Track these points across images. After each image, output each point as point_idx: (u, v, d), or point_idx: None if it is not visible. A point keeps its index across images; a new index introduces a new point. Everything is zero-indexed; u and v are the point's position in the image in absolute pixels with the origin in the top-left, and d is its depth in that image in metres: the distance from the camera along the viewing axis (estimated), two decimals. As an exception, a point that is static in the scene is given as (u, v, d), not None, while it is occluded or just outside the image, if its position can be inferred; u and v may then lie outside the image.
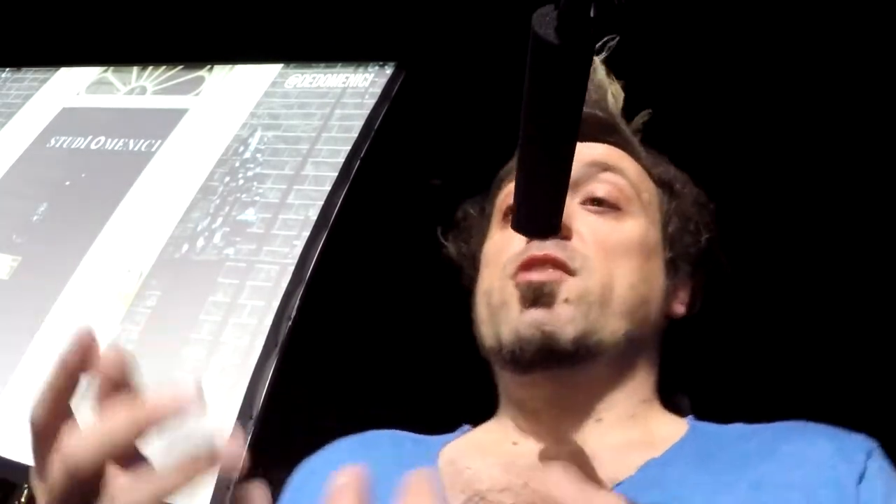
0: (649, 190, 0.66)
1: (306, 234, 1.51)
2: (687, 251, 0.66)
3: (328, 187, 1.58)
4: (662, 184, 0.67)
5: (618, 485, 0.52)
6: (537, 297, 0.57)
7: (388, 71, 1.78)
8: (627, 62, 0.69)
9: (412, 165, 1.83)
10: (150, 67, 2.01)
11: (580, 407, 0.59)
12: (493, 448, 0.61)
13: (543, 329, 0.55)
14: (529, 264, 0.58)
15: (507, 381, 0.63)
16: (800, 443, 0.52)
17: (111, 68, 2.05)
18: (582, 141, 0.63)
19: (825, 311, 1.54)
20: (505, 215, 0.66)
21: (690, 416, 0.63)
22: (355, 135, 1.66)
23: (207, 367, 1.36)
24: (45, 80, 2.07)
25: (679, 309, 0.66)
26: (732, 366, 1.42)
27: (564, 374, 0.57)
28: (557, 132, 0.41)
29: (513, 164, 0.70)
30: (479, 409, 0.69)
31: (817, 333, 1.52)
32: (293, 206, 1.58)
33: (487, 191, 0.75)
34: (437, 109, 1.76)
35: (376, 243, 1.75)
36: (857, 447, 0.52)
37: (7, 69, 2.14)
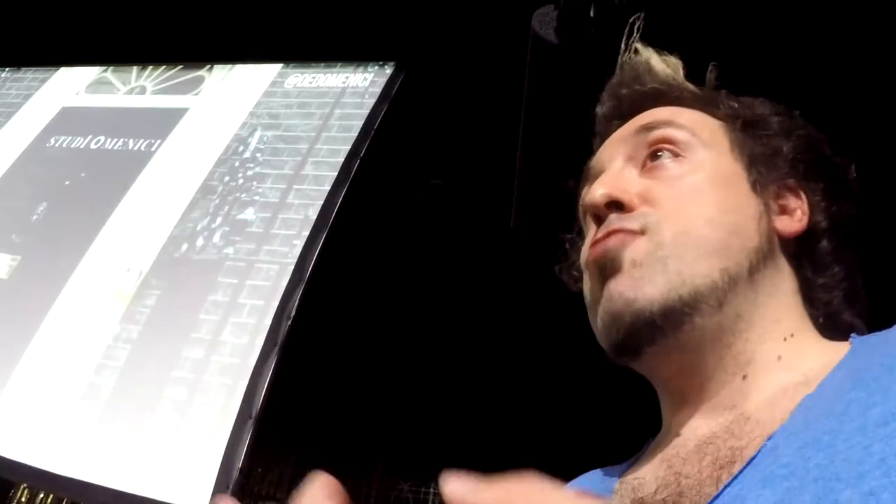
0: (710, 127, 0.62)
1: (306, 233, 1.51)
2: (774, 163, 0.62)
3: (328, 187, 1.58)
4: (727, 117, 0.64)
5: (770, 438, 0.49)
6: (604, 269, 0.55)
7: (388, 71, 1.78)
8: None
9: (412, 165, 1.83)
10: (150, 67, 2.01)
11: (715, 369, 0.55)
12: (662, 450, 0.58)
13: (624, 297, 0.53)
14: (594, 243, 0.56)
15: (646, 375, 0.61)
16: None
17: (111, 68, 2.05)
18: (630, 119, 0.61)
19: None
20: (585, 220, 0.64)
21: (853, 335, 0.59)
22: (355, 134, 1.66)
23: (207, 365, 1.36)
24: (44, 80, 2.07)
25: (793, 226, 0.61)
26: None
27: (673, 340, 0.53)
28: (557, 131, 0.41)
29: (589, 165, 0.69)
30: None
31: None
32: (293, 206, 1.58)
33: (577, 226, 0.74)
34: (437, 109, 1.76)
35: (376, 243, 1.75)
36: None
37: (7, 69, 2.15)
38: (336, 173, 1.60)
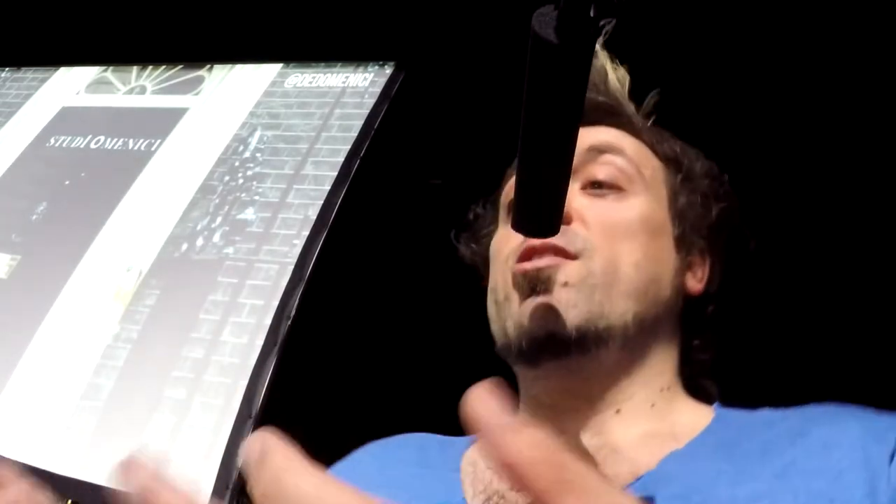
0: (653, 167, 0.64)
1: (306, 233, 1.51)
2: (698, 224, 0.63)
3: (328, 187, 1.58)
4: (668, 160, 0.65)
5: (638, 479, 0.51)
6: (535, 284, 0.55)
7: (388, 71, 1.78)
8: (635, 47, 0.67)
9: (412, 165, 1.83)
10: (150, 67, 2.01)
11: (596, 398, 0.57)
12: None
13: (546, 317, 0.54)
14: (528, 254, 0.57)
15: (521, 377, 0.62)
16: (827, 426, 0.50)
17: (111, 68, 2.05)
18: (580, 126, 0.62)
19: (857, 291, 1.49)
20: (508, 210, 0.64)
21: (717, 404, 0.60)
22: (355, 134, 1.66)
23: (207, 366, 1.36)
24: (44, 80, 2.07)
25: (695, 287, 0.62)
26: (763, 347, 1.37)
27: (574, 363, 0.55)
28: (557, 131, 0.41)
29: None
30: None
31: (848, 313, 1.47)
32: (293, 206, 1.58)
33: (495, 191, 0.74)
34: (437, 109, 1.76)
35: (376, 243, 1.75)
36: (888, 426, 0.49)
37: (7, 69, 2.14)
38: (336, 173, 1.60)
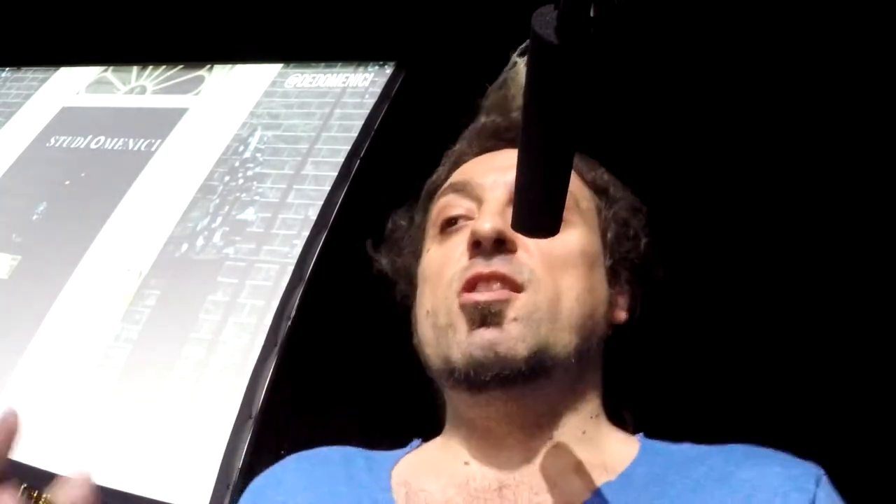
0: (587, 198, 0.65)
1: (306, 233, 1.51)
2: (626, 257, 0.64)
3: (328, 187, 1.58)
4: (598, 190, 0.66)
5: None
6: (485, 317, 0.56)
7: (388, 71, 1.78)
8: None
9: (412, 165, 1.83)
10: (150, 67, 2.01)
11: (532, 425, 0.58)
12: (446, 468, 0.60)
13: (496, 350, 0.54)
14: (475, 281, 0.57)
15: (456, 401, 0.62)
16: (752, 469, 0.53)
17: (111, 68, 2.05)
18: (510, 149, 0.62)
19: (765, 319, 1.52)
20: (442, 229, 0.63)
21: (640, 435, 0.62)
22: (355, 134, 1.66)
23: (207, 365, 1.37)
24: (45, 80, 2.08)
25: (621, 316, 0.64)
26: (675, 376, 1.41)
27: (517, 392, 0.56)
28: (557, 131, 0.41)
29: (441, 176, 0.70)
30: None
31: (756, 343, 1.51)
32: (293, 206, 1.58)
33: (414, 202, 0.74)
34: (437, 109, 1.76)
35: (376, 243, 1.75)
36: (807, 474, 0.53)
37: (7, 69, 2.15)
38: (336, 173, 1.60)
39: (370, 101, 1.72)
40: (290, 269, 1.45)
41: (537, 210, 0.47)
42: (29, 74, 2.11)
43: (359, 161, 1.62)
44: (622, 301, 0.64)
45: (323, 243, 1.50)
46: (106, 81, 2.03)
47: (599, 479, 0.55)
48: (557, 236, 0.58)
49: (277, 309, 1.40)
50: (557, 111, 0.40)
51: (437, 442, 0.65)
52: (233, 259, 1.52)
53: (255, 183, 1.65)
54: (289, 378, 1.38)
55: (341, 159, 1.62)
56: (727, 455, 0.56)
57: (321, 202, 1.55)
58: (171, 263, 1.55)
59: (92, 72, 2.06)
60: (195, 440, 1.28)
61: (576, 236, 0.61)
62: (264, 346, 1.35)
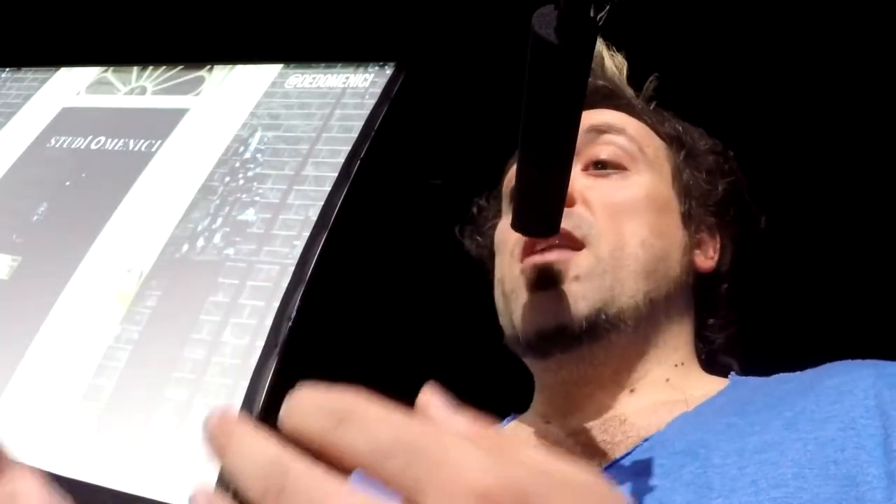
0: (655, 145, 0.64)
1: (306, 234, 1.51)
2: (704, 200, 0.63)
3: (328, 187, 1.58)
4: (670, 138, 0.65)
5: (645, 440, 0.50)
6: (545, 278, 0.55)
7: (388, 71, 1.78)
8: (633, 35, 0.66)
9: (412, 165, 1.83)
10: (150, 67, 2.01)
11: (610, 381, 0.57)
12: (527, 431, 0.59)
13: (556, 311, 0.54)
14: (534, 243, 0.56)
15: (533, 368, 0.62)
16: (839, 377, 0.49)
17: (111, 68, 2.05)
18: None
19: (869, 268, 1.46)
20: (511, 198, 0.64)
21: (732, 374, 0.59)
22: (355, 135, 1.66)
23: (208, 367, 1.36)
24: (45, 80, 2.07)
25: (706, 263, 0.62)
26: (781, 325, 1.34)
27: (585, 351, 0.55)
28: (557, 131, 0.41)
29: None
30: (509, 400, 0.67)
31: (862, 290, 1.45)
32: (293, 207, 1.58)
33: (497, 185, 0.74)
34: (437, 109, 1.76)
35: (376, 243, 1.75)
36: None
37: (7, 69, 2.14)
38: (336, 174, 1.60)
39: (370, 102, 1.72)
40: (291, 269, 1.45)
41: (537, 209, 0.47)
42: (29, 75, 2.11)
43: (359, 161, 1.62)
44: (707, 248, 0.63)
45: (323, 244, 1.50)
46: (106, 82, 2.02)
47: (677, 412, 0.53)
48: (620, 184, 0.58)
49: (278, 310, 1.39)
50: (557, 110, 0.40)
51: (527, 413, 0.65)
52: (233, 260, 1.52)
53: (255, 184, 1.65)
54: (289, 379, 1.38)
55: (341, 160, 1.62)
56: (817, 370, 0.53)
57: (321, 203, 1.55)
58: (172, 264, 1.55)
59: (92, 72, 2.05)
60: (195, 441, 1.28)
61: (640, 182, 0.60)
62: (265, 347, 1.35)
